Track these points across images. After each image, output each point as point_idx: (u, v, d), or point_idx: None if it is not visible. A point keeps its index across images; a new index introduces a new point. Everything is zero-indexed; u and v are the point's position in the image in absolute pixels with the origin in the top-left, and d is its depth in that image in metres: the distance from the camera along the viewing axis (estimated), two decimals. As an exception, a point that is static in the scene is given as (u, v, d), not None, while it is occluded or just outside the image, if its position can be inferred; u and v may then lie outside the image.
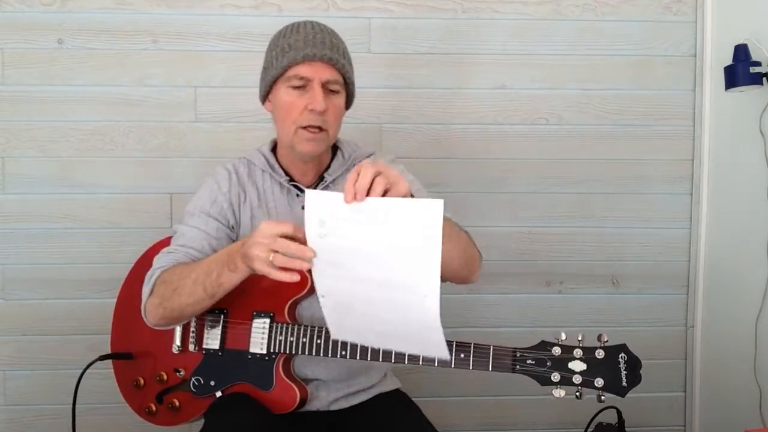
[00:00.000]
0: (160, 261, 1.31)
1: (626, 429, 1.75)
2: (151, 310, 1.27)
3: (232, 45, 1.88)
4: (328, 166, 1.42)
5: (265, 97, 1.37)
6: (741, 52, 1.70)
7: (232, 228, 1.38)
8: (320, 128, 1.30)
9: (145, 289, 1.28)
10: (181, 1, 1.86)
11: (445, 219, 1.35)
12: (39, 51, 1.84)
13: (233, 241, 1.37)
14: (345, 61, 1.33)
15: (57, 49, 1.85)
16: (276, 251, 1.06)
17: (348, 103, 1.41)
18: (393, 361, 1.24)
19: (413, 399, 1.45)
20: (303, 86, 1.29)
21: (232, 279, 1.19)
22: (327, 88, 1.30)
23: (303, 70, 1.28)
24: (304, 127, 1.29)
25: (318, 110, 1.27)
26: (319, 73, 1.28)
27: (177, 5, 1.86)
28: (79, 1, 1.84)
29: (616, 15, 1.95)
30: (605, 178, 1.98)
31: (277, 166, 1.40)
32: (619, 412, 1.73)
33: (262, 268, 1.08)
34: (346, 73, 1.32)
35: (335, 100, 1.32)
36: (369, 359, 1.25)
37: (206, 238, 1.33)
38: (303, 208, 1.35)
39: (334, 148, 1.46)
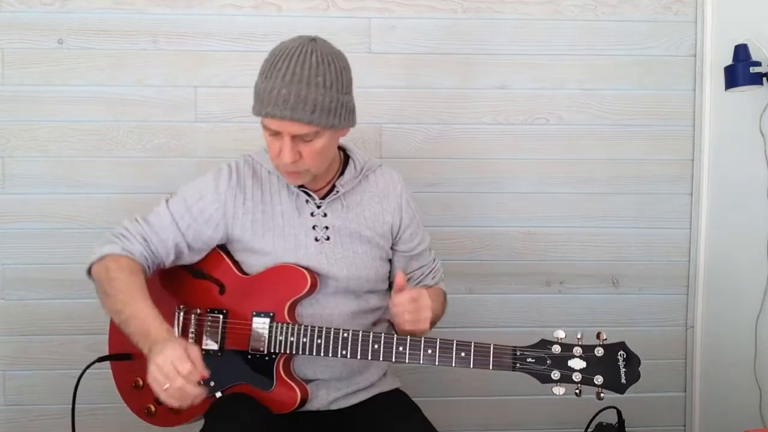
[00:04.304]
0: (120, 238, 1.35)
1: (626, 429, 1.74)
2: (95, 275, 1.34)
3: (232, 45, 1.88)
4: (341, 174, 1.41)
5: None
6: (741, 52, 1.70)
7: (216, 227, 1.35)
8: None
9: (97, 251, 1.33)
10: (181, 1, 1.86)
11: (435, 290, 1.48)
12: (39, 51, 1.84)
13: (204, 241, 1.37)
14: (316, 113, 1.21)
15: (57, 49, 1.85)
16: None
17: (344, 125, 1.31)
18: (393, 360, 1.24)
19: (413, 399, 1.45)
20: (276, 133, 1.25)
21: (136, 344, 1.23)
22: (299, 139, 1.25)
23: (271, 123, 1.23)
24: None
25: (286, 162, 1.25)
26: (286, 128, 1.22)
27: (177, 5, 1.86)
28: (79, 1, 1.84)
29: (616, 15, 1.95)
30: (605, 178, 1.98)
31: None
32: (619, 412, 1.73)
33: (156, 387, 1.14)
34: (318, 123, 1.22)
35: (312, 145, 1.25)
36: (369, 358, 1.25)
37: (174, 231, 1.34)
38: (312, 214, 1.36)
39: (346, 156, 1.45)
